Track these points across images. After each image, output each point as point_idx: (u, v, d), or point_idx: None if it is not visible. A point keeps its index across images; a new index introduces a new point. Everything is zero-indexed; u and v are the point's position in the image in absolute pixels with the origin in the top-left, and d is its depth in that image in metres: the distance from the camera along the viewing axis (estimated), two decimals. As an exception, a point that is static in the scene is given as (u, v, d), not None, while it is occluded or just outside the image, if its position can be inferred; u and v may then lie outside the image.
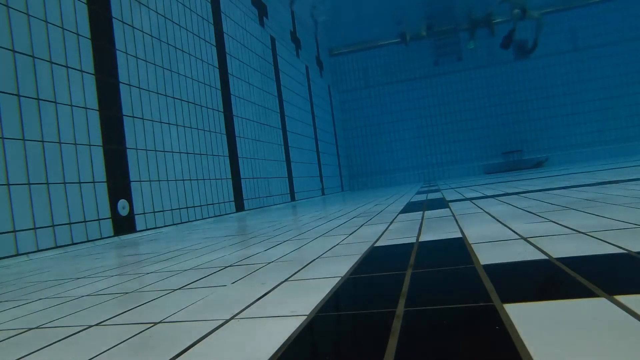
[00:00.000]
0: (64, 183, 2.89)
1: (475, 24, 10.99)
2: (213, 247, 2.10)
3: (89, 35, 3.25)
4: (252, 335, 0.72)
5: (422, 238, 1.56)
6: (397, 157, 11.85)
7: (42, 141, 2.77)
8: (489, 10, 10.63)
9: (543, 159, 10.75)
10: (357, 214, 3.12)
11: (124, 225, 3.38)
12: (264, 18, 6.98)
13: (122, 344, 0.76)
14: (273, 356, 0.62)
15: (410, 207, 3.11)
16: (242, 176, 5.46)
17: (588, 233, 1.24)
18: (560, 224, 1.46)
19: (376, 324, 0.70)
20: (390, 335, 0.63)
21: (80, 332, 0.86)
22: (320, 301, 0.87)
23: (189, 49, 4.62)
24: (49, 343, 0.81)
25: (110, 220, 3.25)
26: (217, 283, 1.19)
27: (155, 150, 3.86)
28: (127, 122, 3.54)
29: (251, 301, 0.94)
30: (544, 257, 1.02)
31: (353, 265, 1.21)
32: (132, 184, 3.53)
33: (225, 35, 5.48)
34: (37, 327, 0.94)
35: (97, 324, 0.91)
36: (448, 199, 3.54)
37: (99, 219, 3.14)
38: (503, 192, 3.42)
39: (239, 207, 5.29)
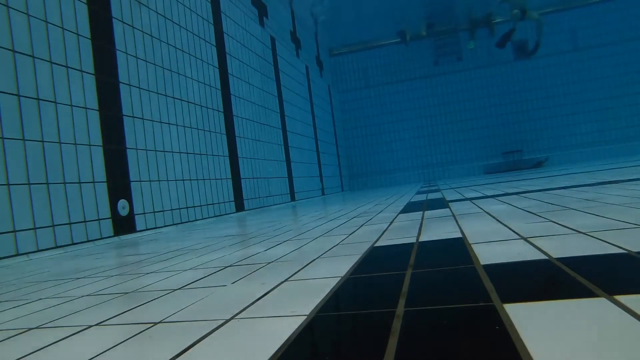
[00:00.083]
0: (64, 183, 2.89)
1: (475, 24, 10.99)
2: (213, 247, 2.10)
3: (89, 35, 3.25)
4: (252, 335, 0.72)
5: (422, 238, 1.56)
6: (397, 157, 11.85)
7: (42, 141, 2.77)
8: (489, 10, 10.63)
9: (543, 159, 10.75)
10: (357, 213, 3.12)
11: (124, 225, 3.38)
12: (264, 18, 6.98)
13: (122, 344, 0.76)
14: (273, 356, 0.62)
15: (410, 207, 3.11)
16: (242, 176, 5.46)
17: (588, 233, 1.24)
18: (560, 224, 1.46)
19: (376, 324, 0.70)
20: (390, 335, 0.63)
21: (80, 332, 0.86)
22: (320, 301, 0.87)
23: (189, 49, 4.62)
24: (49, 343, 0.81)
25: (110, 220, 3.25)
26: (217, 283, 1.19)
27: (155, 150, 3.86)
28: (127, 122, 3.54)
29: (251, 301, 0.94)
30: (544, 257, 1.02)
31: (353, 265, 1.21)
32: (132, 184, 3.53)
33: (225, 35, 5.48)
34: (37, 327, 0.94)
35: (97, 324, 0.91)
36: (448, 199, 3.54)
37: (99, 219, 3.14)
38: (503, 192, 3.42)
39: (239, 207, 5.29)
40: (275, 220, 3.48)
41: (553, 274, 0.88)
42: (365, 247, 1.51)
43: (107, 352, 0.73)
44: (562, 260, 0.96)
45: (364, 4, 9.43)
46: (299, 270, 1.23)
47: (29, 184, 2.65)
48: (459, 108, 11.48)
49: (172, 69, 4.25)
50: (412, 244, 1.47)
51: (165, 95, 4.11)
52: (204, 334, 0.76)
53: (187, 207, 4.23)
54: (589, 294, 0.71)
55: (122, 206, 3.37)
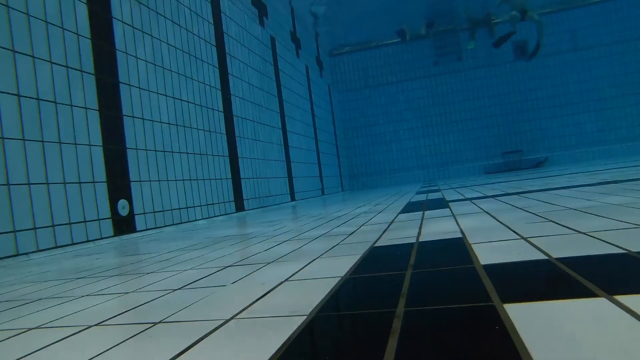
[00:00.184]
0: (64, 183, 2.89)
1: (475, 24, 10.99)
2: (213, 247, 2.10)
3: (89, 35, 3.25)
4: (252, 335, 0.72)
5: (422, 238, 1.56)
6: (397, 157, 11.85)
7: (42, 141, 2.77)
8: (488, 11, 10.63)
9: (543, 159, 10.75)
10: (357, 213, 3.12)
11: (124, 225, 3.38)
12: (264, 18, 6.98)
13: (122, 343, 0.76)
14: (273, 356, 0.62)
15: (410, 207, 3.11)
16: (242, 176, 5.46)
17: (588, 233, 1.24)
18: (560, 224, 1.46)
19: (376, 324, 0.70)
20: (390, 335, 0.63)
21: (80, 332, 0.86)
22: (320, 301, 0.87)
23: (189, 49, 4.62)
24: (49, 343, 0.81)
25: (110, 220, 3.25)
26: (217, 283, 1.19)
27: (155, 150, 3.86)
28: (127, 122, 3.54)
29: (251, 301, 0.94)
30: (543, 257, 1.02)
31: (353, 266, 1.21)
32: (132, 184, 3.53)
33: (225, 35, 5.48)
34: (37, 327, 0.94)
35: (97, 324, 0.91)
36: (448, 199, 3.54)
37: (99, 219, 3.14)
38: (503, 192, 3.42)
39: (239, 207, 5.29)
40: (275, 220, 3.48)
41: (553, 274, 0.88)
42: (365, 247, 1.51)
43: (107, 352, 0.73)
44: (562, 260, 0.96)
45: (364, 4, 9.43)
46: (299, 270, 1.23)
47: (29, 184, 2.65)
48: (459, 108, 11.48)
49: (172, 69, 4.25)
50: (412, 244, 1.47)
51: (165, 95, 4.11)
52: (204, 333, 0.76)
53: (187, 207, 4.23)
54: (589, 294, 0.71)
55: (122, 206, 3.37)
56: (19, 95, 2.64)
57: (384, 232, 1.88)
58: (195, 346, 0.70)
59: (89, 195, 3.08)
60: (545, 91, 10.98)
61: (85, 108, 3.14)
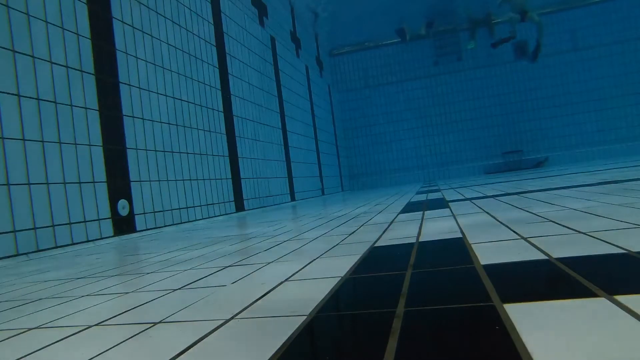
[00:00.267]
0: (64, 183, 2.89)
1: (475, 24, 10.99)
2: (213, 247, 2.10)
3: (89, 35, 3.25)
4: (252, 335, 0.72)
5: (422, 238, 1.56)
6: (397, 157, 11.85)
7: (42, 141, 2.77)
8: (488, 11, 10.64)
9: (543, 159, 10.75)
10: (357, 213, 3.12)
11: (124, 225, 3.38)
12: (264, 18, 6.98)
13: (122, 343, 0.76)
14: (273, 356, 0.62)
15: (410, 207, 3.11)
16: (242, 176, 5.46)
17: (588, 233, 1.24)
18: (560, 224, 1.46)
19: (376, 324, 0.70)
20: (390, 335, 0.63)
21: (81, 332, 0.86)
22: (320, 301, 0.87)
23: (189, 49, 4.62)
24: (49, 343, 0.81)
25: (110, 220, 3.25)
26: (217, 283, 1.19)
27: (155, 150, 3.86)
28: (127, 122, 3.54)
29: (251, 301, 0.94)
30: (544, 257, 1.02)
31: (353, 266, 1.21)
32: (132, 184, 3.53)
33: (225, 35, 5.48)
34: (37, 327, 0.94)
35: (97, 324, 0.91)
36: (448, 199, 3.54)
37: (99, 219, 3.14)
38: (503, 192, 3.42)
39: (239, 207, 5.29)
40: (275, 220, 3.48)
41: (553, 274, 0.88)
42: (365, 247, 1.51)
43: (107, 352, 0.73)
44: (562, 260, 0.96)
45: (364, 4, 9.43)
46: (299, 270, 1.23)
47: (29, 184, 2.65)
48: (459, 108, 11.48)
49: (172, 69, 4.25)
50: (412, 244, 1.47)
51: (165, 95, 4.11)
52: (204, 333, 0.76)
53: (187, 207, 4.23)
54: (589, 294, 0.71)
55: (122, 206, 3.38)
56: (19, 95, 2.64)
57: (384, 232, 1.88)
58: (195, 346, 0.70)
59: (89, 195, 3.08)
60: (545, 91, 10.98)
61: (85, 108, 3.14)
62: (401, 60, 11.83)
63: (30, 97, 2.72)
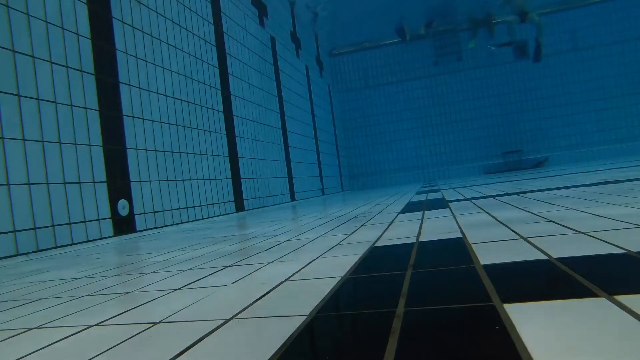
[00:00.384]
0: (64, 183, 2.89)
1: (476, 24, 10.99)
2: (213, 247, 2.10)
3: (89, 35, 3.25)
4: (252, 335, 0.72)
5: (422, 238, 1.56)
6: (397, 157, 11.85)
7: (42, 141, 2.77)
8: (489, 11, 10.64)
9: (543, 159, 10.76)
10: (357, 213, 3.12)
11: (123, 225, 3.38)
12: (264, 18, 6.98)
13: (122, 343, 0.76)
14: (274, 355, 0.62)
15: (410, 207, 3.11)
16: (242, 176, 5.46)
17: (588, 233, 1.24)
18: (560, 224, 1.46)
19: (376, 324, 0.70)
20: (390, 335, 0.63)
21: (81, 332, 0.86)
22: (320, 301, 0.87)
23: (189, 49, 4.62)
24: (49, 343, 0.81)
25: (110, 220, 3.25)
26: (217, 283, 1.19)
27: (155, 150, 3.86)
28: (127, 122, 3.54)
29: (251, 301, 0.94)
30: (544, 257, 1.02)
31: (353, 266, 1.21)
32: (132, 184, 3.53)
33: (225, 35, 5.48)
34: (37, 327, 0.94)
35: (97, 324, 0.91)
36: (448, 199, 3.54)
37: (99, 219, 3.14)
38: (503, 192, 3.42)
39: (239, 207, 5.29)
40: (275, 220, 3.48)
41: (553, 273, 0.88)
42: (365, 247, 1.51)
43: (107, 352, 0.73)
44: (562, 260, 0.96)
45: (364, 4, 9.43)
46: (298, 270, 1.23)
47: (29, 184, 2.65)
48: (459, 108, 11.48)
49: (172, 69, 4.25)
50: (412, 244, 1.47)
51: (165, 95, 4.11)
52: (204, 333, 0.76)
53: (187, 207, 4.23)
54: (589, 294, 0.71)
55: (122, 206, 3.37)
56: (19, 95, 2.64)
57: (384, 232, 1.88)
58: (195, 346, 0.70)
59: (89, 195, 3.08)
60: (545, 91, 10.98)
61: (85, 108, 3.14)
62: (401, 60, 11.83)
63: (30, 97, 2.72)
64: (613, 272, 0.84)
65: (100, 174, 3.20)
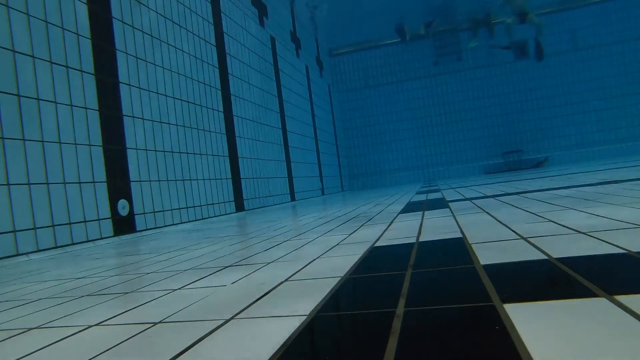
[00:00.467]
0: (64, 183, 2.89)
1: (477, 24, 11.00)
2: (213, 248, 2.10)
3: (89, 35, 3.25)
4: (252, 335, 0.72)
5: (422, 238, 1.56)
6: (397, 157, 11.85)
7: (42, 141, 2.77)
8: (489, 11, 10.64)
9: (543, 159, 10.76)
10: (357, 214, 3.12)
11: (123, 225, 3.38)
12: (264, 18, 6.98)
13: (122, 344, 0.76)
14: (273, 356, 0.62)
15: (410, 207, 3.11)
16: (242, 176, 5.46)
17: (588, 233, 1.24)
18: (560, 224, 1.46)
19: (376, 324, 0.70)
20: (390, 335, 0.63)
21: (81, 332, 0.86)
22: (320, 301, 0.87)
23: (189, 49, 4.62)
24: (49, 343, 0.81)
25: (110, 220, 3.25)
26: (216, 283, 1.19)
27: (155, 150, 3.86)
28: (127, 122, 3.54)
29: (251, 301, 0.94)
30: (543, 257, 1.02)
31: (353, 266, 1.21)
32: (132, 184, 3.53)
33: (225, 35, 5.48)
34: (37, 327, 0.94)
35: (97, 324, 0.91)
36: (448, 199, 3.54)
37: (99, 219, 3.14)
38: (503, 192, 3.42)
39: (239, 207, 5.29)
40: (275, 220, 3.48)
41: (553, 273, 0.88)
42: (365, 247, 1.51)
43: (108, 352, 0.73)
44: (562, 260, 0.96)
45: (364, 4, 9.43)
46: (298, 270, 1.23)
47: (29, 184, 2.65)
48: (459, 108, 11.48)
49: (172, 69, 4.25)
50: (412, 244, 1.47)
51: (165, 95, 4.11)
52: (204, 333, 0.76)
53: (187, 207, 4.23)
54: (589, 294, 0.71)
55: (122, 206, 3.37)
56: (19, 95, 2.64)
57: (384, 232, 1.88)
58: (195, 346, 0.70)
59: (89, 195, 3.08)
60: (545, 91, 10.99)
61: (85, 108, 3.14)
62: (401, 60, 11.83)
63: (30, 97, 2.72)
64: (613, 272, 0.84)
65: (100, 174, 3.20)
